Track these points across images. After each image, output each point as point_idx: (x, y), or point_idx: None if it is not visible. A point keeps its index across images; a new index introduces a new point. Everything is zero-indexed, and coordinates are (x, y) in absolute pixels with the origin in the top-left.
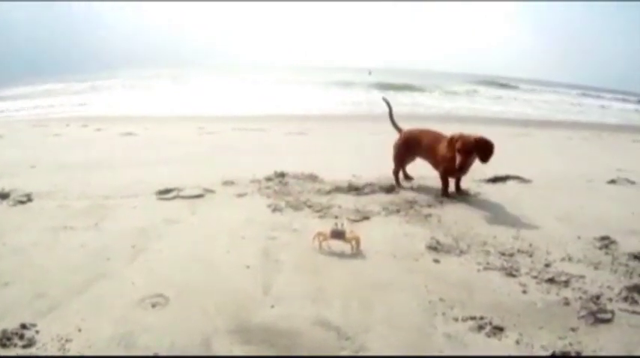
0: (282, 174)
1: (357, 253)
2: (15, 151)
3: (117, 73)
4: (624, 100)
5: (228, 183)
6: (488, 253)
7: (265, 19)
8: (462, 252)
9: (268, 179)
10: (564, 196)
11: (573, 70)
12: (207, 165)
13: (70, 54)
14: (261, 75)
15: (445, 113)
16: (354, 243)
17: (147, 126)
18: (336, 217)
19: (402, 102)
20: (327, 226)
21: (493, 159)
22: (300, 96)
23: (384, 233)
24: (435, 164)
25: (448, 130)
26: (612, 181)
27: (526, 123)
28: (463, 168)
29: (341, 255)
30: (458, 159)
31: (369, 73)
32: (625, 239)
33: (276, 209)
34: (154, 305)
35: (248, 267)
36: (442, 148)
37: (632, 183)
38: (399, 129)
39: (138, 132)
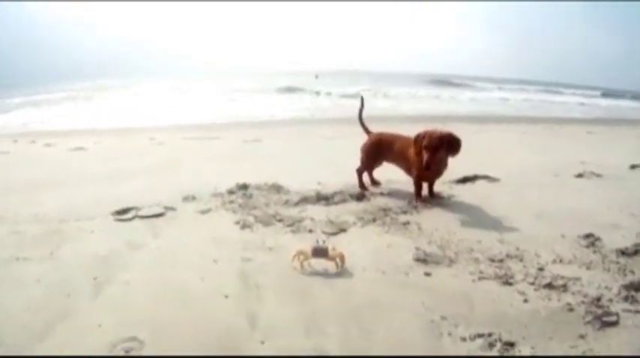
0: (244, 186)
1: (342, 271)
2: None
3: (63, 85)
4: (582, 95)
5: (189, 198)
6: (478, 261)
7: (203, 24)
8: (451, 262)
9: (231, 192)
10: (536, 193)
11: (530, 67)
12: (164, 179)
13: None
14: (202, 82)
15: (399, 113)
16: (338, 260)
17: (96, 139)
18: (310, 231)
19: (355, 105)
20: (305, 243)
21: (458, 158)
22: (246, 103)
23: (366, 246)
24: (408, 169)
25: (405, 130)
26: (579, 175)
27: (480, 119)
28: (430, 166)
29: (325, 275)
30: (425, 156)
31: (316, 77)
32: (608, 235)
33: (244, 225)
34: (127, 351)
35: (227, 296)
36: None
37: (599, 176)
38: (367, 131)
39: (88, 147)
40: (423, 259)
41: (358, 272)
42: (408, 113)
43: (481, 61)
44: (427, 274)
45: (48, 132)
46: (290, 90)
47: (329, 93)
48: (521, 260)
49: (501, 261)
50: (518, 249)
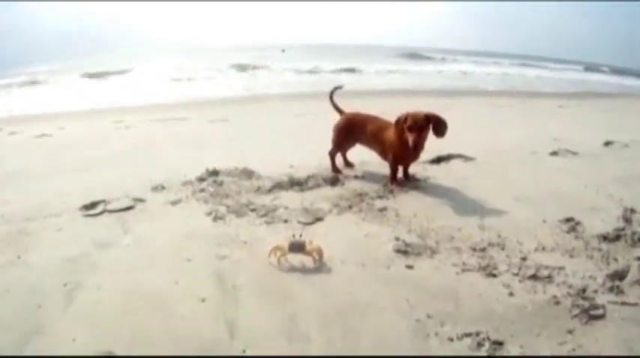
0: (215, 172)
1: (320, 266)
2: None
3: (23, 68)
4: (563, 69)
5: (158, 188)
6: (459, 250)
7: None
8: (433, 253)
9: (201, 179)
10: (513, 173)
11: (510, 40)
12: (132, 167)
13: None
14: (159, 59)
15: (367, 88)
16: (315, 254)
17: (61, 124)
18: (286, 221)
19: (323, 80)
20: (280, 235)
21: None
22: (209, 81)
23: (343, 236)
24: (383, 152)
25: (371, 105)
26: (554, 153)
27: (450, 93)
28: (417, 147)
29: (304, 271)
30: (410, 138)
31: (283, 51)
32: (588, 218)
33: (217, 217)
34: None
35: (203, 300)
36: (390, 135)
37: (574, 153)
38: (340, 111)
39: (52, 133)
40: (403, 250)
41: (337, 267)
42: (377, 88)
43: (453, 33)
44: (409, 267)
45: (12, 118)
46: (255, 66)
47: (297, 68)
48: (503, 248)
49: (483, 249)
50: (499, 236)
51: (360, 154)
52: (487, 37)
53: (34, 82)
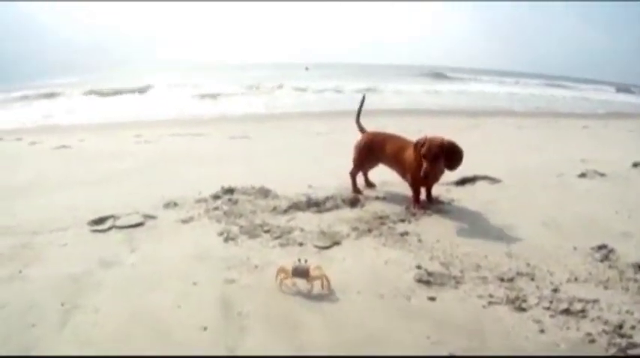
0: (230, 190)
1: (335, 295)
2: None
3: (47, 80)
4: (594, 89)
5: (170, 205)
6: (486, 280)
7: (187, 17)
8: (457, 283)
9: (216, 197)
10: (541, 196)
11: (522, 59)
12: (146, 183)
13: None
14: (180, 75)
15: (390, 107)
16: (316, 283)
17: (82, 136)
18: (301, 244)
19: (345, 99)
20: (289, 260)
21: None
22: (232, 97)
23: (361, 263)
24: (403, 173)
25: (393, 124)
26: (583, 175)
27: (473, 114)
28: (428, 176)
29: (317, 299)
30: (423, 165)
31: (306, 69)
32: (621, 245)
33: (228, 237)
34: None
35: (205, 328)
36: (410, 155)
37: (602, 175)
38: (362, 130)
39: (72, 145)
40: (425, 280)
41: (353, 297)
42: (400, 107)
43: (466, 51)
44: (431, 299)
45: (33, 128)
46: (278, 83)
47: (321, 87)
48: (532, 279)
49: (511, 280)
50: (528, 264)
51: (382, 174)
52: (492, 36)
53: (51, 95)
